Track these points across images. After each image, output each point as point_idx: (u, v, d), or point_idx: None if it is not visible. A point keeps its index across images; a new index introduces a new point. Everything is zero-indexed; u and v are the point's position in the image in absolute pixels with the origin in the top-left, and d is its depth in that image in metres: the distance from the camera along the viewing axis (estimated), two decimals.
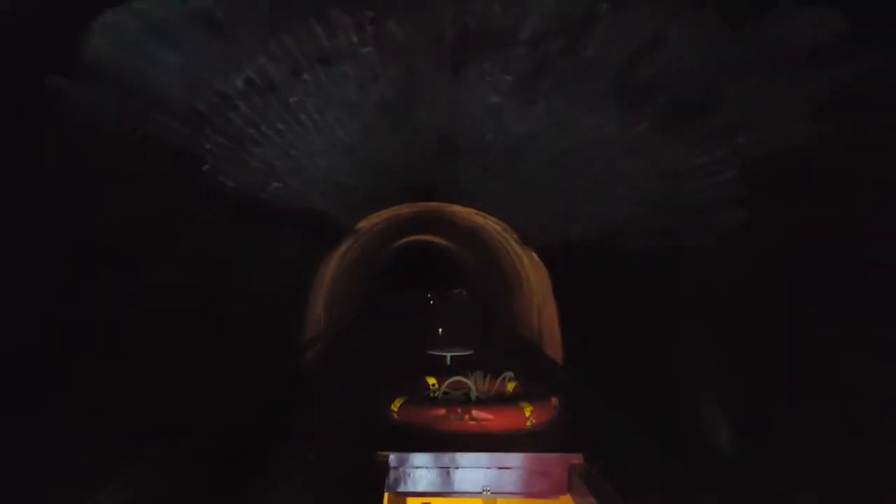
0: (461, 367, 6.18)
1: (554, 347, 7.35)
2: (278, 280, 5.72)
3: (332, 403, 5.77)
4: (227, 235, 3.93)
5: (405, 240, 15.69)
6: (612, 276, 5.07)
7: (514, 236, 7.67)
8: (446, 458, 4.18)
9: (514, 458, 4.17)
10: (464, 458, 4.18)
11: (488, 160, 4.73)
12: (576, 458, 4.10)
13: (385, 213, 8.09)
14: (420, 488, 4.19)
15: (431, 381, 5.69)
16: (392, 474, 4.14)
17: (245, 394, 4.65)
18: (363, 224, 7.98)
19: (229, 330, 4.31)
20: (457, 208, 8.05)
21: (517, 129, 3.76)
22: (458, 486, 4.18)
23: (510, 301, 10.29)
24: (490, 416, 4.63)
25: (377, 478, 3.95)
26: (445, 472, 4.18)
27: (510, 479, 4.17)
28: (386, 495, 4.05)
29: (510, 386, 5.60)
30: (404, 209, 8.22)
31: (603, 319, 5.49)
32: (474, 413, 4.63)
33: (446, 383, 5.50)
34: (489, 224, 8.08)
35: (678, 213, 3.39)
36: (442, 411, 4.68)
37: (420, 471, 4.17)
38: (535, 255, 7.46)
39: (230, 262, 4.14)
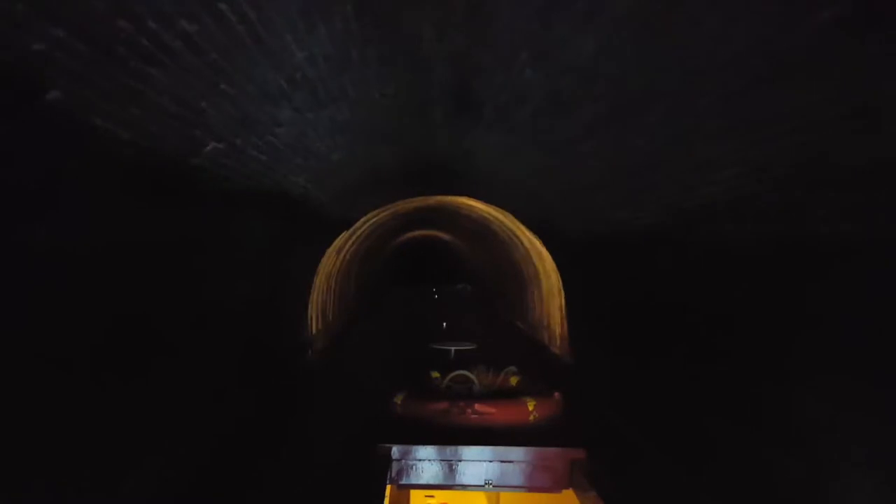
0: (465, 361, 6.20)
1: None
2: (243, 283, 4.39)
3: (335, 399, 5.78)
4: (134, 222, 2.58)
5: (408, 235, 15.71)
6: (681, 281, 3.86)
7: (535, 233, 7.08)
8: (449, 451, 4.20)
9: (517, 452, 4.18)
10: (466, 451, 4.19)
11: (518, 116, 3.12)
12: (578, 453, 4.10)
13: (386, 208, 7.90)
14: (423, 480, 4.21)
15: (435, 374, 5.71)
16: (395, 466, 4.16)
17: (227, 403, 4.16)
18: (361, 219, 7.66)
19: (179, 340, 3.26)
20: (464, 200, 7.91)
21: (574, 53, 2.24)
22: (460, 479, 4.19)
23: (520, 299, 10.19)
24: (493, 410, 4.64)
25: (380, 470, 3.97)
26: (448, 464, 4.20)
27: (513, 473, 4.18)
28: (388, 487, 4.06)
29: (513, 380, 5.61)
30: (406, 204, 8.09)
31: (650, 336, 4.42)
32: (477, 407, 4.64)
33: (450, 376, 5.51)
34: (501, 217, 7.92)
35: (831, 185, 2.17)
36: (445, 405, 4.70)
37: (423, 463, 4.19)
38: (558, 253, 6.88)
39: (139, 263, 2.72)
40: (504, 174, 5.07)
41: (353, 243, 8.61)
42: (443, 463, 4.20)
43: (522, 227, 7.51)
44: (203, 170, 2.83)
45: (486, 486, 4.22)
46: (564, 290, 7.10)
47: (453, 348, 7.00)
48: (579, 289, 6.60)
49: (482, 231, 10.08)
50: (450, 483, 4.22)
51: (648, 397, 4.38)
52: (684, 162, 2.93)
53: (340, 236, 7.60)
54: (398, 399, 4.89)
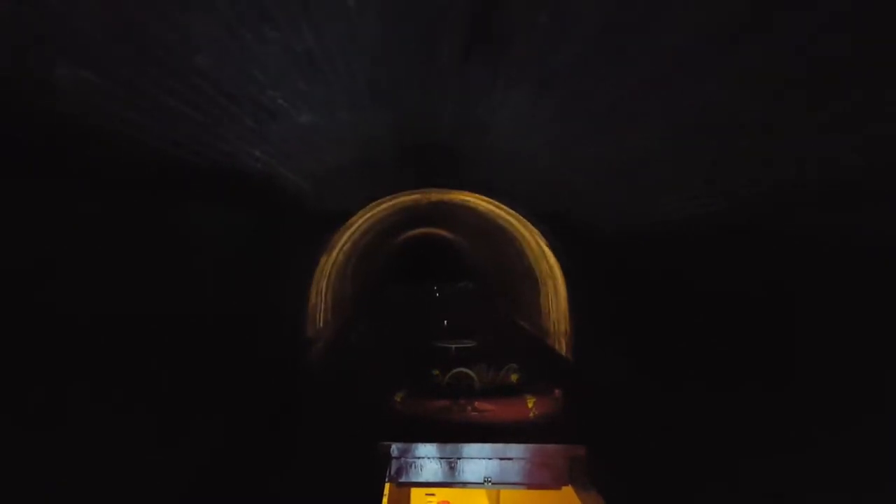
0: (466, 358, 6.20)
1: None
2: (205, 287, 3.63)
3: (334, 398, 5.78)
4: None
5: (409, 233, 15.71)
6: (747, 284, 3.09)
7: (548, 228, 6.43)
8: (449, 448, 4.20)
9: (517, 450, 4.18)
10: (466, 448, 4.19)
11: (561, 52, 2.11)
12: (578, 450, 4.10)
13: (384, 202, 7.69)
14: (422, 479, 4.21)
15: (436, 372, 5.71)
16: (394, 464, 4.16)
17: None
18: (358, 213, 7.28)
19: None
20: (469, 197, 7.81)
21: None
22: (460, 477, 4.19)
23: (523, 298, 10.12)
24: (493, 408, 4.64)
25: (379, 468, 3.97)
26: (448, 462, 4.20)
27: (512, 470, 4.18)
28: (388, 485, 4.06)
29: (514, 377, 5.60)
30: (406, 197, 7.99)
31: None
32: (477, 404, 4.65)
33: (450, 374, 5.52)
34: (508, 216, 7.81)
35: None
36: (445, 402, 4.70)
37: (422, 461, 4.19)
38: (574, 250, 6.14)
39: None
40: (522, 155, 3.83)
41: (347, 241, 8.54)
42: (442, 461, 4.20)
43: (531, 227, 7.34)
44: (64, 118, 1.77)
45: (486, 484, 4.22)
46: (575, 291, 6.88)
47: (454, 346, 7.01)
48: (599, 290, 5.97)
49: (486, 228, 10.02)
50: (450, 481, 4.22)
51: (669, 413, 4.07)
52: (796, 123, 1.94)
53: (337, 232, 7.35)
54: (398, 397, 4.90)
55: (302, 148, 3.35)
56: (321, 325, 7.91)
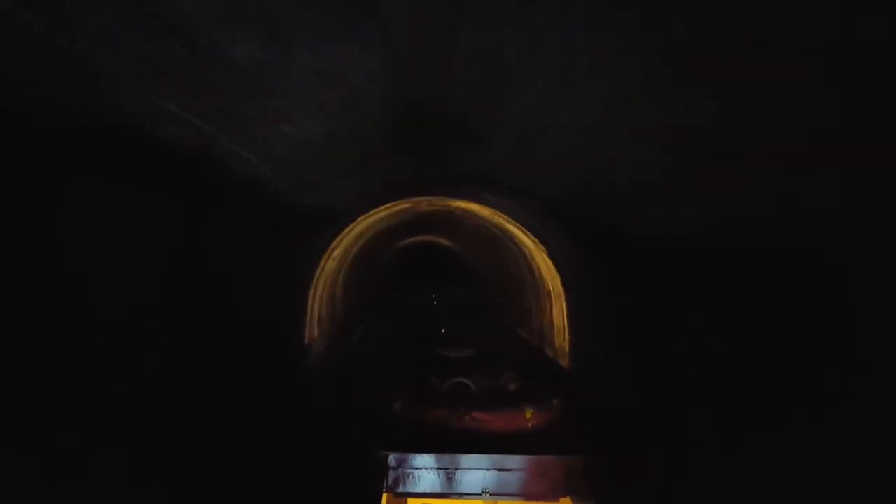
0: (464, 366, 6.19)
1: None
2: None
3: (332, 404, 5.76)
4: None
5: (407, 241, 15.70)
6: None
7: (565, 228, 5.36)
8: (446, 459, 4.18)
9: (514, 460, 4.16)
10: (464, 459, 4.18)
11: None
12: (575, 461, 4.09)
13: (382, 208, 7.50)
14: (419, 489, 4.18)
15: (434, 381, 5.69)
16: (391, 474, 4.14)
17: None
18: (349, 212, 6.73)
19: None
20: (471, 206, 7.75)
21: None
22: (457, 488, 4.17)
23: (523, 306, 10.05)
24: (491, 418, 4.62)
25: (376, 478, 3.95)
26: (445, 473, 4.18)
27: (510, 481, 4.16)
28: (385, 496, 4.04)
29: (512, 386, 5.59)
30: (405, 204, 7.89)
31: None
32: (475, 414, 4.63)
33: (448, 383, 5.51)
34: (511, 227, 7.74)
35: None
36: (443, 411, 4.69)
37: (419, 471, 4.17)
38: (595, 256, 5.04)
39: None
40: (555, 129, 2.76)
41: (337, 246, 8.38)
42: (440, 471, 4.18)
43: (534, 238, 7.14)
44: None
45: (484, 495, 4.19)
46: (579, 300, 6.63)
47: (452, 354, 7.00)
48: (604, 298, 5.31)
49: (487, 237, 10.00)
50: (447, 491, 4.20)
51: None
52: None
53: (326, 232, 6.84)
54: (396, 406, 4.88)
55: (248, 107, 2.24)
56: (311, 335, 7.86)
